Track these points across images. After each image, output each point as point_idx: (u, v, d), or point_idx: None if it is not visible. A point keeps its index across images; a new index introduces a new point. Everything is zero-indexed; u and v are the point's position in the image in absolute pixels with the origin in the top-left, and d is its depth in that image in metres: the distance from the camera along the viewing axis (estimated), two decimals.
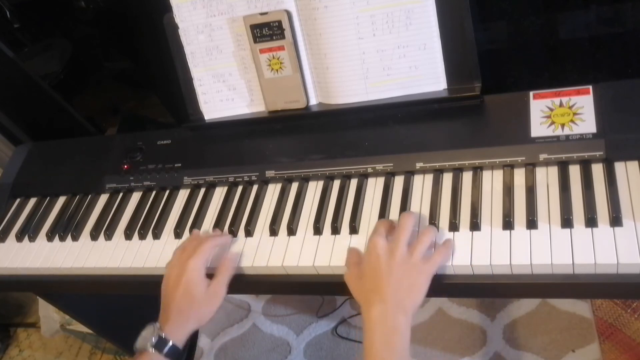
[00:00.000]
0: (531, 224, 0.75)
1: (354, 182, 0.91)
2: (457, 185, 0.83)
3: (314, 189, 0.92)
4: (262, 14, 0.92)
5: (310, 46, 0.93)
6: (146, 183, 1.04)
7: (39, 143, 1.22)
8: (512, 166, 0.82)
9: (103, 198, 1.08)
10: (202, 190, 1.00)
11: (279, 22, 0.91)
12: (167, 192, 1.03)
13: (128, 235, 0.99)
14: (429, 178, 0.86)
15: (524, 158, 0.81)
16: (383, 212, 0.85)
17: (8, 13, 1.29)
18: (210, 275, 0.86)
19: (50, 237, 1.05)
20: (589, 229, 0.73)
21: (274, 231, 0.89)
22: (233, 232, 0.92)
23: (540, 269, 0.72)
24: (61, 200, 1.11)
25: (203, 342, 1.70)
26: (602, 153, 0.77)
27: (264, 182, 0.96)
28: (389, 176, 0.88)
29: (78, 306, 1.38)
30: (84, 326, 1.53)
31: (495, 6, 0.93)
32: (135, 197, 1.05)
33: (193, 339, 1.71)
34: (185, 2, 0.95)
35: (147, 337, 0.81)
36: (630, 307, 1.22)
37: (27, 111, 1.32)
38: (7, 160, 1.22)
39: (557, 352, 1.37)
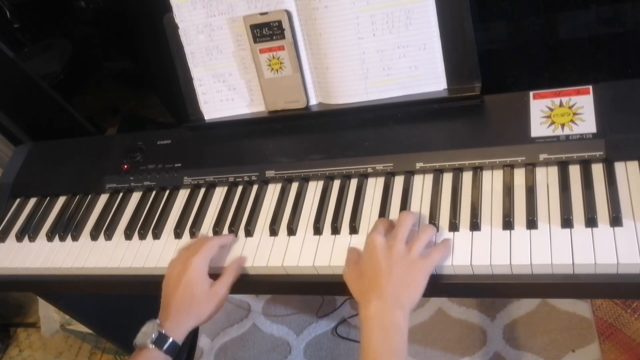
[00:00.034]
0: (531, 224, 0.75)
1: (354, 182, 0.91)
2: (457, 185, 0.83)
3: (314, 189, 0.92)
4: (262, 14, 0.92)
5: (310, 46, 0.93)
6: (146, 183, 1.04)
7: (39, 143, 1.22)
8: (512, 166, 0.82)
9: (103, 198, 1.08)
10: (202, 190, 1.00)
11: (279, 22, 0.91)
12: (167, 192, 1.03)
13: (128, 235, 0.99)
14: (429, 178, 0.86)
15: (524, 158, 0.81)
16: (383, 212, 0.85)
17: (8, 13, 1.29)
18: (211, 275, 0.86)
19: (50, 237, 1.05)
20: (589, 229, 0.73)
21: (274, 231, 0.89)
22: (233, 232, 0.92)
23: (540, 269, 0.72)
24: (61, 200, 1.11)
25: (203, 342, 1.70)
26: (602, 153, 0.77)
27: (264, 182, 0.96)
28: (389, 176, 0.88)
29: (78, 306, 1.38)
30: (84, 326, 1.53)
31: (495, 6, 0.93)
32: (135, 197, 1.05)
33: (193, 339, 1.71)
34: (185, 2, 0.95)
35: (147, 333, 0.81)
36: (630, 307, 1.22)
37: (27, 111, 1.32)
38: (7, 160, 1.22)
39: (557, 352, 1.37)
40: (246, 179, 0.97)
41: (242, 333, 1.69)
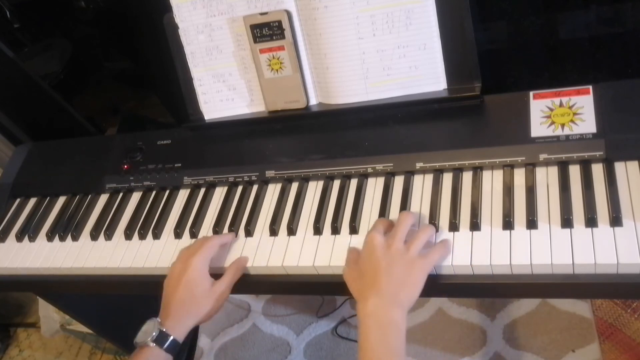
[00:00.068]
0: (531, 224, 0.75)
1: (354, 182, 0.91)
2: (457, 185, 0.83)
3: (314, 189, 0.92)
4: (262, 14, 0.92)
5: (310, 46, 0.93)
6: (146, 183, 1.04)
7: (39, 143, 1.22)
8: (512, 166, 0.82)
9: (103, 198, 1.08)
10: (202, 190, 1.00)
11: (279, 22, 0.91)
12: (167, 192, 1.03)
13: (128, 235, 0.99)
14: (429, 178, 0.86)
15: (524, 158, 0.81)
16: (383, 212, 0.85)
17: (8, 13, 1.29)
18: (213, 275, 0.86)
19: (50, 237, 1.05)
20: (589, 229, 0.73)
21: (274, 231, 0.89)
22: (233, 232, 0.92)
23: (540, 269, 0.72)
24: (61, 200, 1.11)
25: (203, 342, 1.70)
26: (602, 153, 0.77)
27: (264, 182, 0.96)
28: (389, 176, 0.88)
29: (78, 306, 1.38)
30: (84, 326, 1.54)
31: (495, 6, 0.93)
32: (135, 197, 1.05)
33: (193, 339, 1.71)
34: (185, 2, 0.95)
35: (147, 331, 0.81)
36: (630, 307, 1.22)
37: (27, 111, 1.32)
38: (7, 160, 1.22)
39: (557, 352, 1.37)
40: (246, 179, 0.97)
41: (242, 333, 1.69)
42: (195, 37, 0.97)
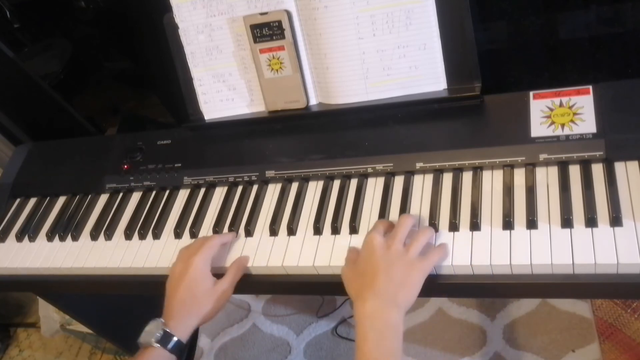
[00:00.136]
0: (531, 224, 0.75)
1: (354, 182, 0.91)
2: (457, 185, 0.83)
3: (314, 189, 0.92)
4: (262, 14, 0.92)
5: (310, 46, 0.93)
6: (146, 183, 1.04)
7: (39, 143, 1.22)
8: (512, 166, 0.82)
9: (103, 198, 1.08)
10: (202, 190, 1.00)
11: (279, 22, 0.91)
12: (167, 192, 1.03)
13: (128, 235, 0.99)
14: (429, 178, 0.86)
15: (524, 158, 0.81)
16: (383, 212, 0.85)
17: (8, 13, 1.29)
18: (214, 275, 0.86)
19: (50, 237, 1.05)
20: (589, 229, 0.73)
21: (274, 231, 0.89)
22: (233, 232, 0.91)
23: (540, 269, 0.72)
24: (61, 200, 1.11)
25: (203, 342, 1.70)
26: (602, 153, 0.77)
27: (264, 182, 0.96)
28: (389, 176, 0.88)
29: (78, 306, 1.38)
30: (84, 326, 1.53)
31: (495, 6, 0.93)
32: (135, 197, 1.05)
33: (193, 339, 1.71)
34: (185, 2, 0.95)
35: (151, 332, 0.81)
36: (630, 307, 1.22)
37: (27, 111, 1.32)
38: (7, 160, 1.22)
39: (557, 352, 1.37)
40: (246, 179, 0.97)
41: (242, 333, 1.69)
42: (195, 37, 0.97)
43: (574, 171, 0.79)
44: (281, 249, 0.87)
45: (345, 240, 0.84)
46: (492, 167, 0.84)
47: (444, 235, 0.79)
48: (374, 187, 0.89)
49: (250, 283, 0.88)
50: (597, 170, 0.78)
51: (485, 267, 0.75)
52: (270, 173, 0.95)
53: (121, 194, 1.06)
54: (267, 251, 0.87)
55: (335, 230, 0.86)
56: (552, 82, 0.87)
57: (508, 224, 0.77)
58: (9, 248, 1.07)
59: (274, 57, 0.94)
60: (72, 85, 1.34)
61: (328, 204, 0.89)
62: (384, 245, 0.75)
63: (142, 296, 1.01)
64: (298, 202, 0.91)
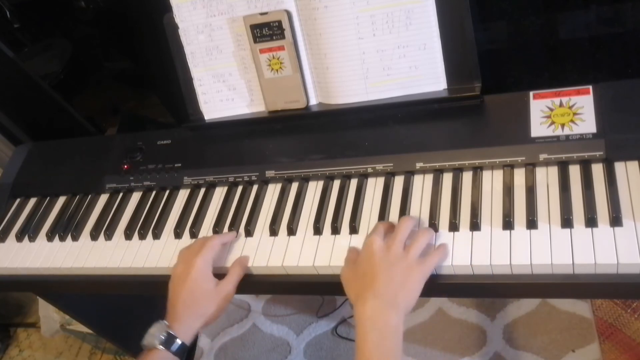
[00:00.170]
0: (531, 224, 0.75)
1: (354, 182, 0.91)
2: (457, 185, 0.83)
3: (314, 189, 0.92)
4: (262, 14, 0.92)
5: (310, 46, 0.93)
6: (146, 183, 1.04)
7: (39, 143, 1.22)
8: (512, 166, 0.82)
9: (103, 198, 1.08)
10: (202, 190, 1.00)
11: (279, 22, 0.91)
12: (167, 192, 1.03)
13: (128, 235, 0.99)
14: (429, 178, 0.86)
15: (524, 158, 0.81)
16: (383, 212, 0.85)
17: (8, 13, 1.29)
18: (215, 275, 0.86)
19: (50, 237, 1.05)
20: (589, 229, 0.73)
21: (274, 231, 0.89)
22: (234, 231, 0.91)
23: (540, 269, 0.72)
24: (61, 200, 1.11)
25: (203, 342, 1.70)
26: (602, 153, 0.77)
27: (264, 182, 0.96)
28: (389, 176, 0.88)
29: (78, 306, 1.38)
30: (84, 326, 1.53)
31: (495, 6, 0.93)
32: (135, 197, 1.05)
33: (193, 339, 1.70)
34: (185, 2, 0.95)
35: (155, 334, 0.81)
36: (630, 307, 1.22)
37: (27, 111, 1.32)
38: (7, 160, 1.22)
39: (557, 352, 1.37)
40: (246, 179, 0.97)
41: (242, 333, 1.69)
42: (195, 37, 0.97)
43: (574, 171, 0.79)
44: (281, 249, 0.87)
45: (345, 240, 0.84)
46: (492, 167, 0.84)
47: (444, 235, 0.79)
48: (374, 187, 0.89)
49: (250, 283, 0.88)
50: (597, 170, 0.78)
51: (485, 267, 0.75)
52: (270, 173, 0.95)
53: (121, 194, 1.06)
54: (267, 251, 0.87)
55: (335, 230, 0.86)
56: (552, 82, 0.87)
57: (508, 224, 0.76)
58: (9, 248, 1.07)
59: (274, 57, 0.94)
60: (72, 85, 1.34)
61: (328, 204, 0.89)
62: (383, 248, 0.75)
63: (142, 296, 1.01)
64: (298, 202, 0.91)
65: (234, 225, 0.92)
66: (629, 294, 0.90)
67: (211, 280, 0.85)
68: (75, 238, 1.03)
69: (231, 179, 0.98)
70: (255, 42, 0.93)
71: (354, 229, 0.84)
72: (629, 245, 0.69)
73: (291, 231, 0.88)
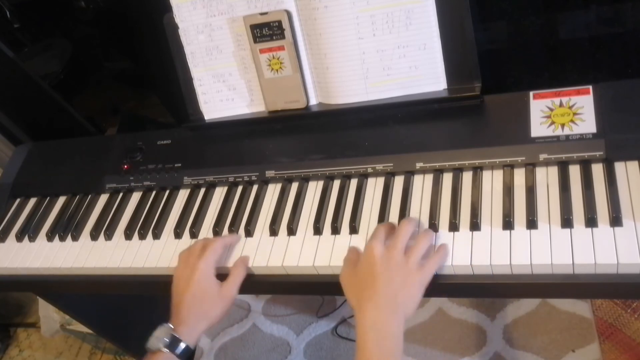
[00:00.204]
0: (531, 224, 0.75)
1: (354, 182, 0.91)
2: (457, 185, 0.83)
3: (314, 189, 0.92)
4: (262, 14, 0.92)
5: (310, 46, 0.93)
6: (146, 183, 1.04)
7: (39, 143, 1.22)
8: (512, 166, 0.82)
9: (103, 198, 1.08)
10: (202, 190, 1.00)
11: (279, 22, 0.91)
12: (167, 192, 1.03)
13: (128, 235, 0.99)
14: (429, 178, 0.86)
15: (524, 158, 0.81)
16: (383, 212, 0.85)
17: (8, 13, 1.29)
18: (218, 276, 0.86)
19: (50, 237, 1.05)
20: (589, 229, 0.73)
21: (274, 231, 0.89)
22: (233, 232, 0.91)
23: (540, 269, 0.72)
24: (61, 200, 1.11)
25: (203, 342, 1.70)
26: (602, 153, 0.77)
27: (264, 182, 0.96)
28: (389, 176, 0.88)
29: (78, 306, 1.38)
30: (84, 326, 1.53)
31: (495, 6, 0.93)
32: (135, 197, 1.05)
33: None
34: (185, 2, 0.95)
35: (159, 337, 0.82)
36: (630, 307, 1.22)
37: (27, 111, 1.32)
38: (7, 160, 1.22)
39: (557, 352, 1.37)
40: (246, 179, 0.97)
41: (242, 333, 1.69)
42: (195, 37, 0.97)
43: (574, 171, 0.79)
44: (281, 249, 0.87)
45: (345, 240, 0.84)
46: (492, 167, 0.84)
47: (444, 235, 0.79)
48: (374, 187, 0.89)
49: (250, 283, 0.88)
50: (597, 170, 0.78)
51: (485, 267, 0.75)
52: (270, 173, 0.95)
53: (121, 194, 1.06)
54: (267, 251, 0.87)
55: (335, 230, 0.86)
56: (552, 82, 0.87)
57: (508, 224, 0.77)
58: (9, 248, 1.07)
59: (274, 57, 0.94)
60: (72, 85, 1.34)
61: (328, 204, 0.89)
62: (384, 255, 0.75)
63: (142, 296, 1.01)
64: (298, 202, 0.91)
65: (234, 225, 0.92)
66: (629, 294, 0.90)
67: (214, 283, 0.85)
68: (75, 238, 1.03)
69: (231, 179, 0.98)
70: (255, 42, 0.93)
71: (354, 229, 0.84)
72: (629, 245, 0.69)
73: (291, 231, 0.88)
